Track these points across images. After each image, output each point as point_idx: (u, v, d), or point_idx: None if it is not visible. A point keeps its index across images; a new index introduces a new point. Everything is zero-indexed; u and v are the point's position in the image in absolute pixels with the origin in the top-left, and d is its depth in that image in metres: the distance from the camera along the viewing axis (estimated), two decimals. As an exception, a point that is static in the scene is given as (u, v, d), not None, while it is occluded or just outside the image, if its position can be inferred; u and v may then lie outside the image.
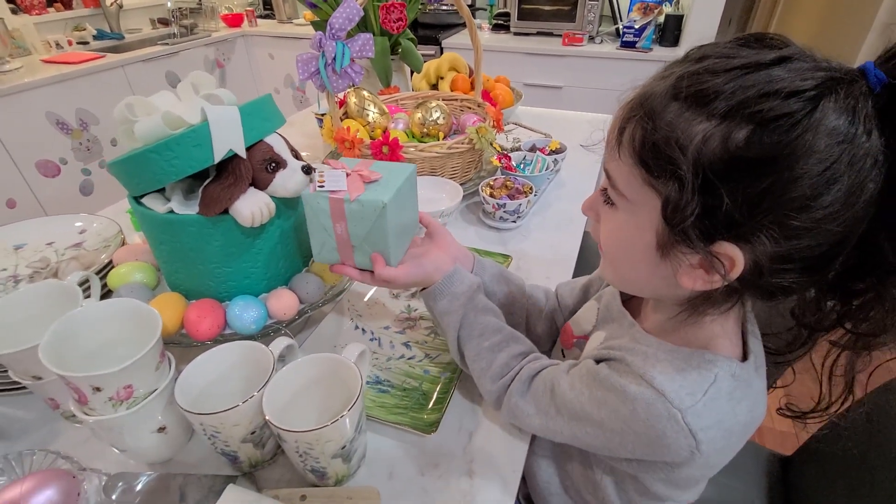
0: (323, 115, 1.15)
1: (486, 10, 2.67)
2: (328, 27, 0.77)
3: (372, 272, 0.53)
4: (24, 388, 0.55)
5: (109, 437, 0.46)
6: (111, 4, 2.56)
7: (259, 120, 0.50)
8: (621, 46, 2.18)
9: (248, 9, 2.94)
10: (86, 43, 2.42)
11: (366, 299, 0.71)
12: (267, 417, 0.42)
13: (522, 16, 2.36)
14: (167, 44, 2.47)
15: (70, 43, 2.35)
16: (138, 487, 0.47)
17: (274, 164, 0.51)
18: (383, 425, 0.54)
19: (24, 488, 0.43)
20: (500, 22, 2.50)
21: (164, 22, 2.81)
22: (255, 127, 0.49)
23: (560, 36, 2.27)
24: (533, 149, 1.04)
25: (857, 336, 0.37)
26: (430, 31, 2.45)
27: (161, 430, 0.48)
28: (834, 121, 0.28)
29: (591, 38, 2.28)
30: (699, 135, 0.31)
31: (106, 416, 0.43)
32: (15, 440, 0.53)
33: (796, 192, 0.29)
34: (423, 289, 0.55)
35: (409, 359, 0.62)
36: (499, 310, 0.55)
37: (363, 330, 0.66)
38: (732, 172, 0.30)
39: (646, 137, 0.33)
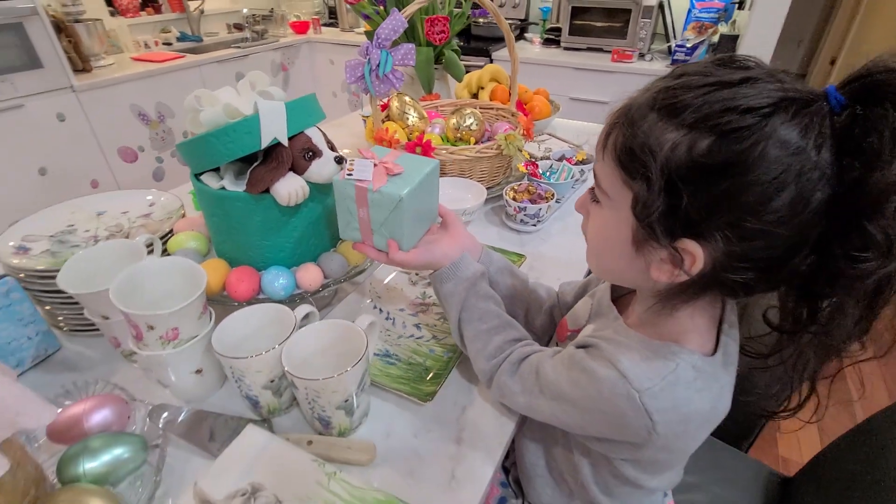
0: (367, 116, 1.24)
1: (538, 24, 2.72)
2: (375, 36, 0.85)
3: (387, 253, 0.60)
4: (93, 329, 0.66)
5: (157, 373, 0.55)
6: (195, 10, 2.82)
7: (301, 115, 0.58)
8: (671, 65, 2.16)
9: (315, 17, 3.14)
10: (169, 44, 2.67)
11: (385, 282, 0.78)
12: (284, 366, 0.49)
13: (573, 31, 2.40)
14: (239, 47, 2.69)
15: (156, 43, 2.61)
16: (180, 419, 0.56)
17: (311, 154, 0.58)
18: (387, 391, 0.60)
19: (86, 406, 0.53)
20: (551, 37, 2.54)
21: (239, 27, 3.05)
22: (297, 120, 0.57)
23: (610, 52, 2.28)
24: (561, 158, 1.08)
25: (820, 341, 0.39)
26: (482, 44, 2.52)
27: (198, 371, 0.56)
28: (785, 135, 0.32)
29: (642, 56, 2.28)
30: (669, 142, 0.35)
31: (155, 352, 0.52)
32: (82, 372, 0.63)
33: (748, 196, 0.33)
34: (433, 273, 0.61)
35: (417, 338, 0.68)
36: (499, 298, 0.60)
37: (380, 310, 0.73)
38: (694, 176, 0.34)
39: (625, 142, 0.38)
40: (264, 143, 0.54)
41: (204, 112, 0.56)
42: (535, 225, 0.93)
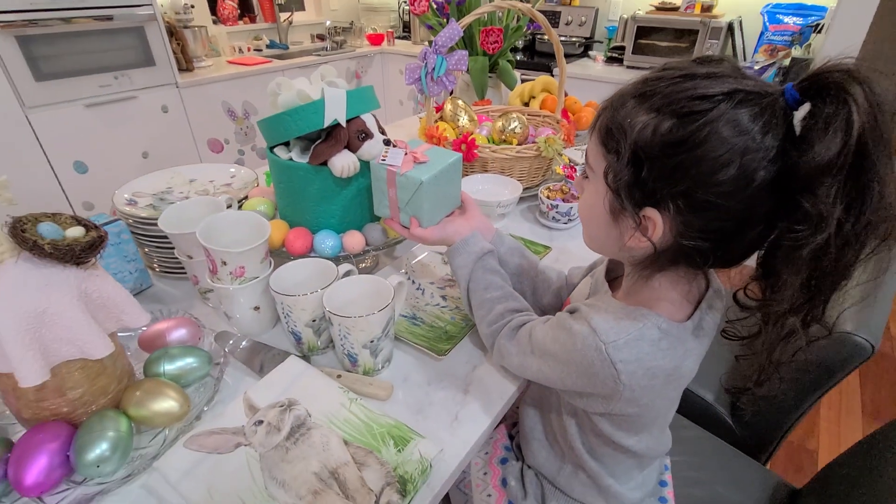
0: (423, 118, 1.35)
1: (602, 42, 2.75)
2: (433, 43, 0.96)
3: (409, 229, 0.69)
4: (178, 271, 0.80)
5: (225, 305, 0.67)
6: (284, 21, 3.11)
7: (358, 102, 0.68)
8: (737, 86, 2.12)
9: (389, 30, 3.36)
10: (260, 50, 2.96)
11: (419, 259, 0.87)
12: (324, 305, 0.59)
13: (637, 50, 2.41)
14: (320, 55, 2.94)
15: (248, 49, 2.91)
16: (241, 346, 0.67)
17: (363, 135, 0.69)
18: (409, 345, 0.68)
19: (168, 325, 0.65)
20: (614, 55, 2.57)
21: (321, 37, 3.33)
22: (355, 106, 0.68)
23: (673, 71, 2.27)
24: (601, 165, 1.12)
25: (776, 318, 0.43)
26: (544, 59, 2.60)
27: (256, 308, 0.68)
28: (732, 119, 0.37)
29: (706, 76, 2.25)
30: (640, 123, 0.41)
31: (225, 286, 0.64)
32: (167, 304, 0.77)
33: (698, 169, 0.39)
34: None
35: (441, 307, 0.76)
36: (505, 274, 0.67)
37: (413, 281, 0.82)
38: (655, 151, 0.40)
39: (607, 123, 0.44)
40: (326, 123, 0.65)
41: (281, 96, 0.68)
42: (566, 223, 0.99)
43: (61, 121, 1.95)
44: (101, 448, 0.49)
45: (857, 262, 0.38)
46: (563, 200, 0.97)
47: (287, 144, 0.72)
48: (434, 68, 0.97)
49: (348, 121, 0.67)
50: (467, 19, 0.98)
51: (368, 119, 0.70)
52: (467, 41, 1.32)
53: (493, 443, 0.74)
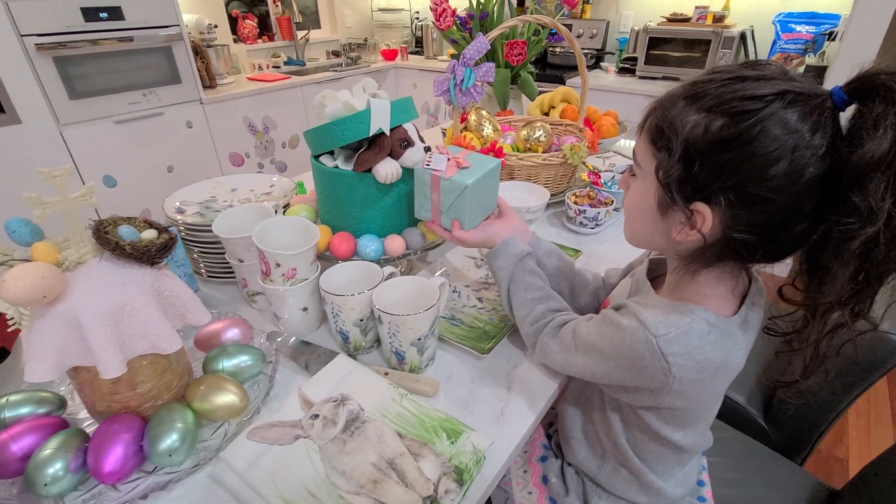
0: (445, 129, 1.39)
1: (614, 53, 2.80)
2: (462, 56, 1.00)
3: (450, 232, 0.72)
4: (224, 276, 0.83)
5: (275, 306, 0.70)
6: (301, 38, 3.20)
7: (401, 112, 0.72)
8: (751, 94, 2.14)
9: (403, 45, 3.44)
10: (278, 67, 3.05)
11: (454, 263, 0.89)
12: (374, 304, 0.62)
13: (649, 60, 2.45)
14: (336, 71, 3.01)
15: (267, 66, 3.00)
16: (289, 343, 0.70)
17: (406, 143, 0.72)
18: (451, 345, 0.71)
19: (222, 325, 0.68)
20: (626, 66, 2.61)
21: (336, 54, 3.41)
22: (397, 116, 0.71)
23: (686, 81, 2.30)
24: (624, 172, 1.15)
25: (824, 311, 0.45)
26: (557, 71, 2.64)
27: (304, 309, 0.71)
28: (783, 118, 0.40)
29: (720, 85, 2.27)
30: (690, 122, 0.44)
31: (277, 287, 0.67)
32: (213, 307, 0.80)
33: (749, 165, 0.41)
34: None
35: (479, 308, 0.78)
36: (544, 275, 0.69)
37: (450, 283, 0.84)
38: (706, 148, 0.43)
39: (657, 122, 0.47)
40: (372, 132, 0.69)
41: (328, 107, 0.71)
42: (593, 228, 1.01)
43: (93, 137, 2.02)
44: (171, 438, 0.52)
45: None
46: (591, 206, 1.00)
47: (331, 153, 0.76)
48: (462, 80, 1.01)
49: (391, 130, 0.71)
50: (494, 32, 1.02)
51: (409, 128, 0.74)
52: (489, 54, 1.36)
53: (532, 441, 0.76)
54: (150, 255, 0.52)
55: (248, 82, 2.68)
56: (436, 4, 1.28)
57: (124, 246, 0.50)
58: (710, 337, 0.48)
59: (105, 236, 0.50)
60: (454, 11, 1.29)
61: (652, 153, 0.48)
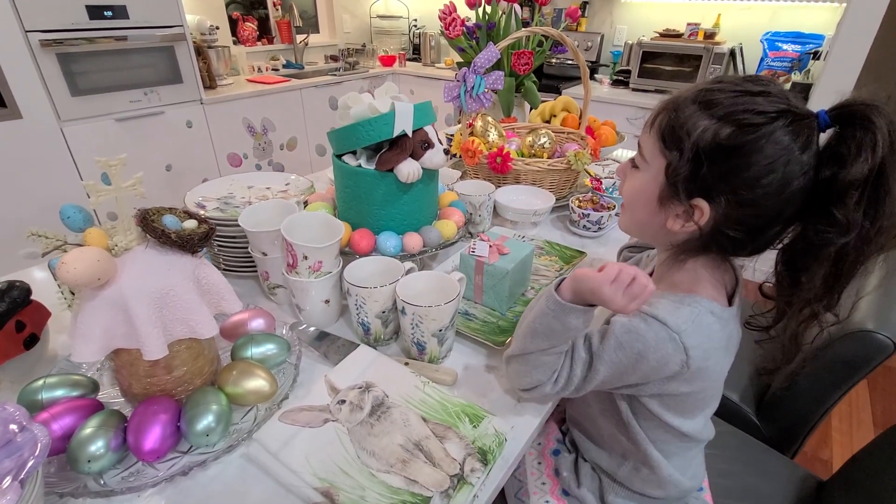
0: (451, 135, 1.43)
1: (608, 66, 2.88)
2: (472, 64, 1.04)
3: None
4: (243, 270, 0.85)
5: (299, 297, 0.73)
6: (300, 42, 3.23)
7: (422, 115, 0.75)
8: (740, 108, 2.23)
9: (401, 52, 3.48)
10: (277, 69, 3.07)
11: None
12: (399, 295, 0.65)
13: (642, 73, 2.53)
14: (334, 75, 3.04)
15: (266, 68, 3.02)
16: (310, 331, 0.73)
17: (426, 145, 0.76)
18: (468, 338, 0.74)
19: (247, 315, 0.70)
20: (619, 78, 2.69)
21: (335, 58, 3.45)
22: (419, 119, 0.75)
23: (678, 94, 2.38)
24: (624, 179, 1.20)
25: (801, 305, 0.50)
26: (553, 81, 2.71)
27: (326, 301, 0.73)
28: (780, 136, 0.45)
29: (710, 99, 2.36)
30: (701, 127, 0.48)
31: (303, 279, 0.69)
32: (232, 301, 0.82)
33: (748, 172, 0.46)
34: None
35: (492, 309, 0.82)
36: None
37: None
38: (714, 153, 0.48)
39: (669, 122, 0.52)
40: (396, 133, 0.72)
41: (353, 108, 0.75)
42: (596, 231, 1.05)
43: (93, 134, 2.02)
44: (208, 419, 0.54)
45: (869, 259, 0.47)
46: (594, 210, 1.04)
47: (353, 153, 0.79)
48: (473, 87, 1.05)
49: (413, 131, 0.74)
50: (504, 43, 1.06)
51: (430, 130, 0.77)
52: (495, 63, 1.41)
53: (546, 434, 0.79)
54: (192, 244, 0.54)
55: (247, 84, 2.70)
56: (445, 14, 1.32)
57: (170, 234, 0.52)
58: (715, 326, 0.53)
59: (151, 224, 0.52)
60: (463, 21, 1.34)
61: (661, 150, 0.53)
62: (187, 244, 0.54)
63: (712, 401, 0.64)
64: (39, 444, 0.43)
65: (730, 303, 0.56)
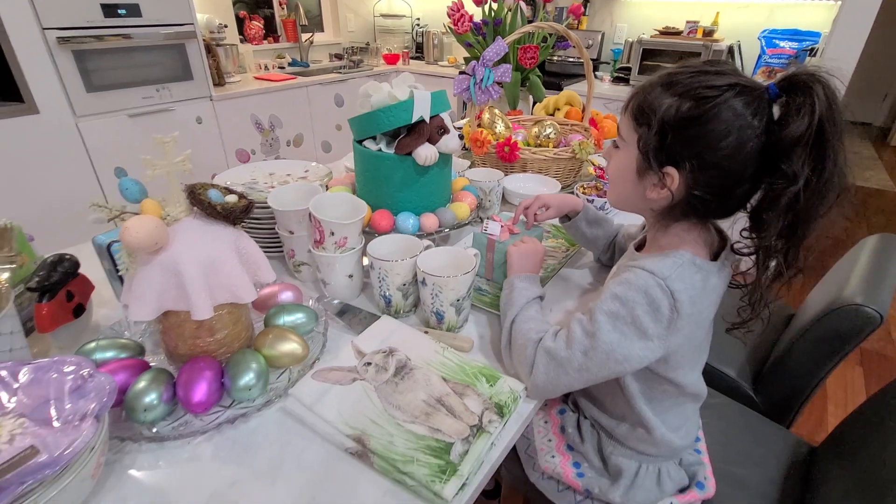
0: (460, 127, 1.49)
1: (609, 63, 2.93)
2: (482, 57, 1.09)
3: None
4: (268, 249, 0.90)
5: (324, 272, 0.78)
6: (305, 41, 3.28)
7: (439, 103, 0.81)
8: (738, 104, 2.28)
9: (405, 50, 3.54)
10: (283, 67, 3.12)
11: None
12: (420, 267, 0.70)
13: (643, 70, 2.58)
14: (339, 73, 3.10)
15: (273, 66, 3.07)
16: (334, 303, 0.78)
17: (442, 130, 0.81)
18: (481, 310, 0.79)
19: (277, 288, 0.76)
20: (620, 75, 2.74)
21: (339, 56, 3.50)
22: (436, 106, 0.80)
23: (677, 90, 2.43)
24: (626, 168, 1.25)
25: (765, 254, 0.56)
26: (555, 78, 2.76)
27: (350, 276, 0.78)
28: (733, 103, 0.51)
29: (709, 95, 2.41)
30: (665, 104, 0.55)
31: (329, 254, 0.74)
32: (258, 279, 0.87)
33: (708, 138, 0.53)
34: None
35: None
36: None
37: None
38: (677, 124, 0.54)
39: (639, 104, 0.58)
40: (414, 119, 0.78)
41: (374, 97, 0.80)
42: (599, 216, 1.10)
43: (106, 129, 2.07)
44: (248, 376, 0.59)
45: (821, 210, 0.52)
46: (598, 196, 1.09)
47: (373, 139, 0.84)
48: (482, 79, 1.10)
49: (431, 118, 0.80)
50: (512, 37, 1.12)
51: (445, 117, 0.82)
52: (505, 56, 1.46)
53: (551, 397, 0.85)
54: (234, 216, 0.59)
55: (254, 81, 2.75)
56: (453, 10, 1.37)
57: (216, 206, 0.57)
58: (696, 276, 0.58)
59: (199, 198, 0.57)
60: (471, 17, 1.39)
61: (634, 128, 0.59)
62: (230, 216, 0.59)
63: (705, 345, 0.69)
64: (108, 387, 0.48)
65: (715, 259, 0.62)
